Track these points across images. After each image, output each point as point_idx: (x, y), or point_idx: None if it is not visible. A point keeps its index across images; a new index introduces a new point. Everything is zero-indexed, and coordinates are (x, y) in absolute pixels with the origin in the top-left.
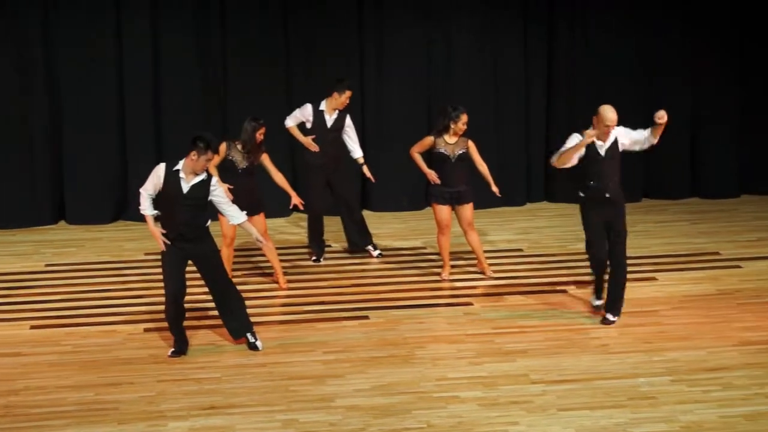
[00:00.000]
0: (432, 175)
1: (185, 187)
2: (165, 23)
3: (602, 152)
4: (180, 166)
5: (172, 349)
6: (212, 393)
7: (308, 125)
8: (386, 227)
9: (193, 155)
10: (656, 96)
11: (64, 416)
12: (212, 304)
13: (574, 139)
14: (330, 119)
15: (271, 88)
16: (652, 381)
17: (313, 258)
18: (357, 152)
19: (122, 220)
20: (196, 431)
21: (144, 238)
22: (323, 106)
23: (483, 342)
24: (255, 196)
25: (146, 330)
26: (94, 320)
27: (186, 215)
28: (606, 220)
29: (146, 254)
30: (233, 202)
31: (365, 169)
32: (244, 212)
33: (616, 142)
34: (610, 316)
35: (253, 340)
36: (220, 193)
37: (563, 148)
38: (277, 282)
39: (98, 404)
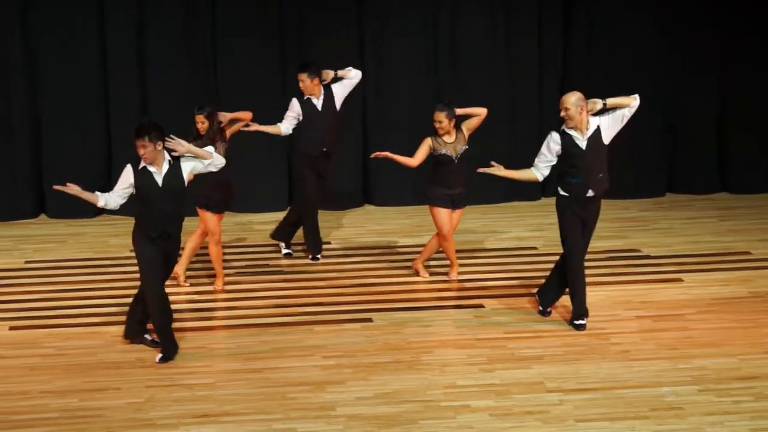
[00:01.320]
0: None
1: (159, 180)
2: (151, 7)
3: (582, 144)
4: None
5: (160, 355)
6: (205, 400)
7: (300, 119)
8: (390, 222)
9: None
10: (680, 84)
11: (46, 423)
12: (204, 305)
13: (553, 138)
14: (319, 101)
15: (264, 70)
16: (677, 390)
17: (311, 256)
18: (352, 74)
19: (106, 215)
20: None
21: (130, 234)
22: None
23: (495, 347)
24: (230, 190)
25: None
26: (77, 321)
27: (168, 208)
28: (582, 218)
29: (132, 251)
30: (210, 196)
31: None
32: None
33: (598, 131)
34: (581, 321)
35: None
36: (188, 160)
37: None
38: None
39: (83, 411)
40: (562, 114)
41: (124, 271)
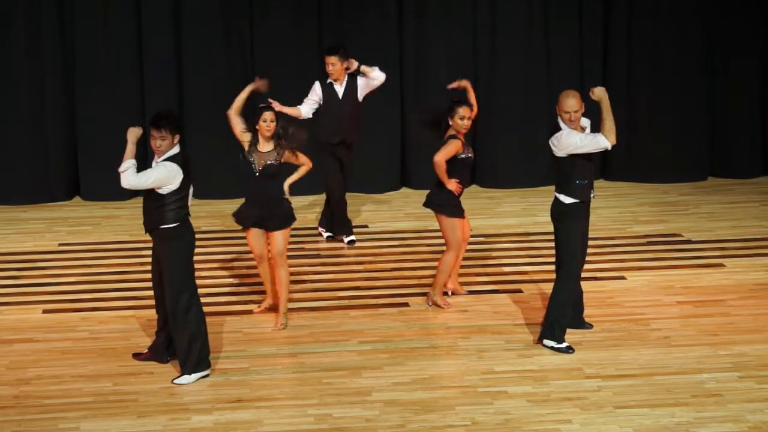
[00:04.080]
0: (455, 185)
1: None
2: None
3: None
4: None
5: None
6: (239, 385)
7: (321, 103)
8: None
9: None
10: (722, 66)
11: (79, 408)
12: (239, 289)
13: (568, 131)
14: (341, 88)
15: (301, 47)
16: (717, 377)
17: (346, 240)
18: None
19: (141, 197)
20: (221, 425)
21: None
22: (330, 78)
23: (533, 333)
24: (263, 207)
25: None
26: (111, 304)
27: (143, 205)
28: (584, 231)
29: None
30: (245, 212)
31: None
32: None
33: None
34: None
35: (177, 381)
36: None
37: (586, 141)
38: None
39: (116, 395)
40: (572, 117)
41: None
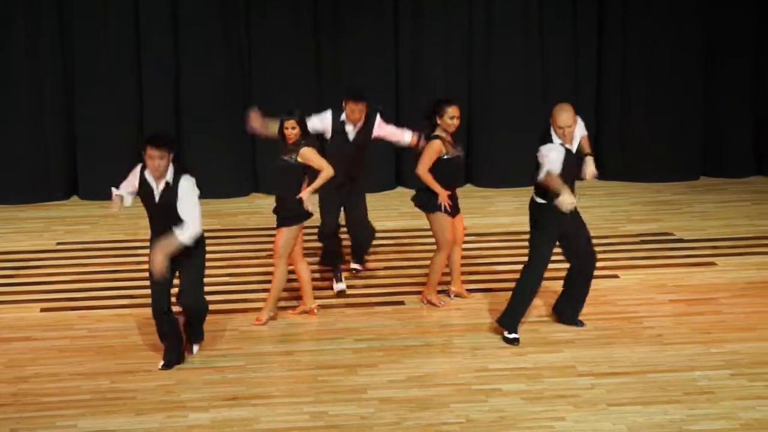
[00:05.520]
0: (446, 199)
1: (156, 195)
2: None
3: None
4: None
5: (162, 362)
6: (235, 383)
7: (327, 136)
8: None
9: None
10: (715, 66)
11: (77, 405)
12: (235, 287)
13: (555, 147)
14: (353, 130)
15: (299, 47)
16: (710, 375)
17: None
18: (406, 138)
19: (137, 196)
20: (217, 423)
21: None
22: (344, 116)
23: (527, 331)
24: (277, 203)
25: None
26: (108, 303)
27: (160, 224)
28: (564, 232)
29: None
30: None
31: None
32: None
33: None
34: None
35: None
36: (182, 196)
37: (551, 167)
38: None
39: (113, 393)
40: (566, 131)
41: None
